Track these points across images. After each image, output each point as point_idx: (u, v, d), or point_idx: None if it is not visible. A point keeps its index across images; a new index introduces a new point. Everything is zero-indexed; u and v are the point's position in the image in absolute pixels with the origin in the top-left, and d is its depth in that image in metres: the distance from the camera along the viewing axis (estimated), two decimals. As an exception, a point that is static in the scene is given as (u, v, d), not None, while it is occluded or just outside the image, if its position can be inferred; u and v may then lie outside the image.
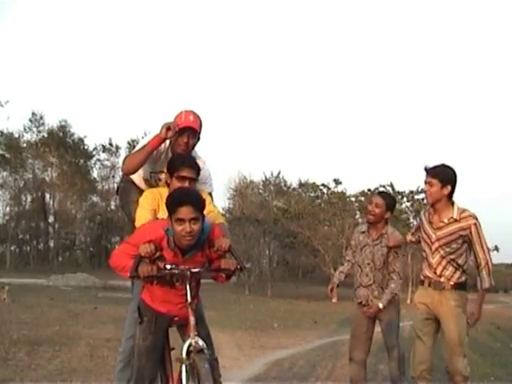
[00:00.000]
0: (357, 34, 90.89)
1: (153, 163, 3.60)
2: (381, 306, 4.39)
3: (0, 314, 10.74)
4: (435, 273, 3.81)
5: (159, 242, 2.93)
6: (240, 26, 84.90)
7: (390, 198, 4.59)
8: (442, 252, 3.77)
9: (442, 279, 3.78)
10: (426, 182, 3.80)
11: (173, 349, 3.27)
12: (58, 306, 13.97)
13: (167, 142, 3.54)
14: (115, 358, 6.22)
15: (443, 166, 3.82)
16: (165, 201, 2.92)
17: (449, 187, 3.72)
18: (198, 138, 3.61)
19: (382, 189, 31.93)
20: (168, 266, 2.90)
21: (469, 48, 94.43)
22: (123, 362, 3.58)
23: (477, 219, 3.74)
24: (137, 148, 3.63)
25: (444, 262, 3.78)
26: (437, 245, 3.79)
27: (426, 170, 3.81)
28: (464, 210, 3.77)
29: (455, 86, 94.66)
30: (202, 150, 3.77)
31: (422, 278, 3.96)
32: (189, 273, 2.92)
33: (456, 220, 3.73)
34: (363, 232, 4.63)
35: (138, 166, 3.50)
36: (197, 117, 3.55)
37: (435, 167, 3.80)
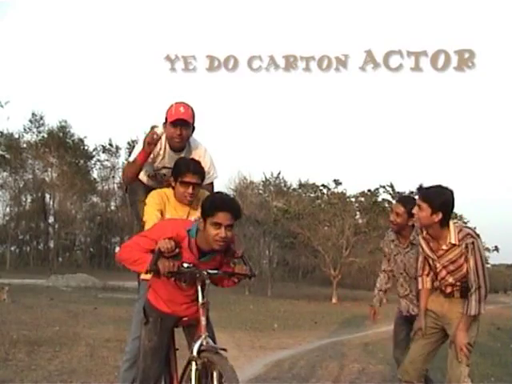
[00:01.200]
0: (356, 34, 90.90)
1: (153, 162, 3.68)
2: None
3: (0, 314, 10.73)
4: (444, 292, 3.59)
5: (180, 241, 2.94)
6: (240, 26, 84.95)
7: (411, 204, 4.14)
8: (450, 279, 3.51)
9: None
10: (416, 204, 3.48)
11: (177, 349, 3.28)
12: (58, 306, 13.96)
13: (163, 138, 3.61)
14: (115, 359, 6.25)
15: (439, 187, 3.46)
16: (201, 203, 2.95)
17: (440, 214, 3.36)
18: (193, 128, 3.65)
19: (382, 190, 31.89)
20: (185, 265, 2.90)
21: (468, 46, 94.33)
22: (129, 362, 3.60)
23: (475, 237, 3.41)
24: (132, 155, 3.70)
25: (454, 287, 3.53)
26: (444, 273, 3.53)
27: (418, 190, 3.50)
28: (461, 230, 3.44)
29: (456, 85, 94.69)
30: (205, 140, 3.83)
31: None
32: (206, 273, 2.93)
33: (455, 245, 3.42)
34: (393, 240, 4.36)
35: (133, 177, 3.68)
36: (188, 107, 3.58)
37: (428, 189, 3.47)
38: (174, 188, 3.46)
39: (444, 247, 3.46)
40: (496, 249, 46.45)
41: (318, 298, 29.87)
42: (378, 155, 72.57)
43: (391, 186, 35.04)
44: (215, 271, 2.98)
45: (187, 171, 3.35)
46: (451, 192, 3.45)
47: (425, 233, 3.56)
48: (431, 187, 3.47)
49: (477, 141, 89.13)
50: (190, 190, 3.37)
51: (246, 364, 7.19)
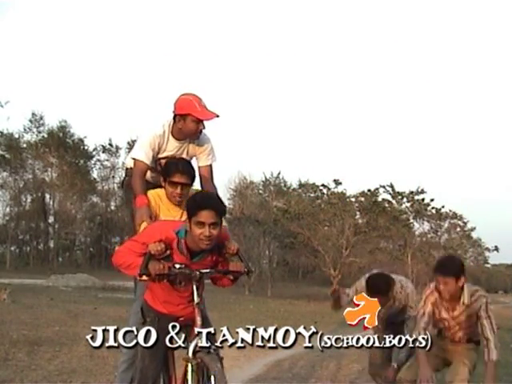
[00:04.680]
0: (356, 34, 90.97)
1: (158, 153, 3.66)
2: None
3: (0, 314, 10.73)
4: (452, 340, 3.93)
5: (169, 242, 2.94)
6: (240, 26, 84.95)
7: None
8: (461, 333, 3.88)
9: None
10: (438, 281, 3.73)
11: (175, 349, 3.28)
12: (58, 306, 13.94)
13: (166, 132, 3.60)
14: (115, 359, 6.23)
15: (450, 258, 3.89)
16: (186, 203, 2.94)
17: (463, 278, 3.69)
18: None
19: (382, 189, 31.95)
20: (177, 266, 2.90)
21: (469, 46, 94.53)
22: (126, 363, 3.59)
23: (486, 296, 3.83)
24: (135, 152, 3.65)
25: (466, 338, 3.91)
26: (457, 328, 3.87)
27: (438, 272, 3.74)
28: (474, 292, 3.78)
29: (456, 85, 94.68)
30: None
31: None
32: (198, 273, 2.93)
33: (468, 306, 3.75)
34: None
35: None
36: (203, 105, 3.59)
37: (444, 265, 3.75)
38: (164, 188, 3.44)
39: (458, 308, 3.77)
40: (496, 249, 46.38)
41: (318, 298, 29.82)
42: (378, 155, 72.57)
43: (391, 186, 35.05)
44: (207, 270, 2.96)
45: (176, 171, 3.33)
46: (460, 258, 3.96)
47: (445, 299, 3.79)
48: (443, 261, 3.81)
49: (477, 141, 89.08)
50: (179, 190, 3.34)
51: (246, 364, 7.19)
